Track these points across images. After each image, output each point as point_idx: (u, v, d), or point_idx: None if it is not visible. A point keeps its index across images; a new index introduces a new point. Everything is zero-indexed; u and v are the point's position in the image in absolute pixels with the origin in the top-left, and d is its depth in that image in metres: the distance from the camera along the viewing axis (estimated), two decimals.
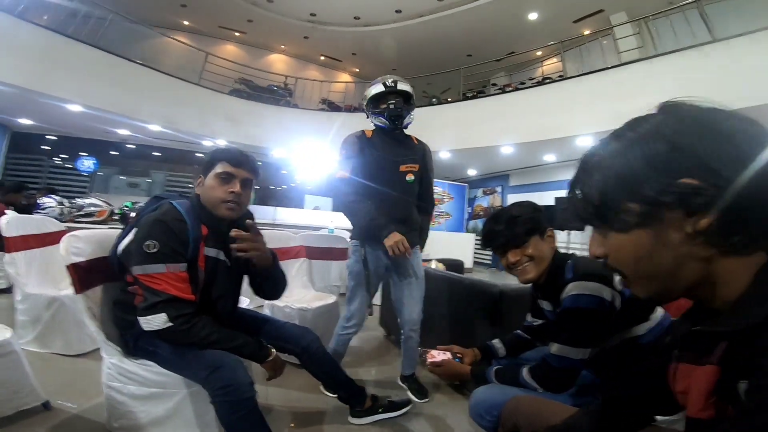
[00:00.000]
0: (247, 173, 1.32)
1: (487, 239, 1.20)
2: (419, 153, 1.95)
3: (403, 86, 1.86)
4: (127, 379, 1.30)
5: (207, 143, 8.27)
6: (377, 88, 1.87)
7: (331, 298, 2.56)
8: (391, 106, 1.83)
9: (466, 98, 8.01)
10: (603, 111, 5.41)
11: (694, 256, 0.44)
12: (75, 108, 6.23)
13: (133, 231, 1.23)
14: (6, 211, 2.63)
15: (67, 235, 1.36)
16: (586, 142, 6.10)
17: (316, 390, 1.93)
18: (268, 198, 10.55)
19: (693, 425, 0.47)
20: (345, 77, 12.28)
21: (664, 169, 0.43)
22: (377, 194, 1.82)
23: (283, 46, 11.29)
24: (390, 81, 1.86)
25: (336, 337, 1.93)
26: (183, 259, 1.20)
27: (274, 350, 1.32)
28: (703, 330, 0.46)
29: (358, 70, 12.35)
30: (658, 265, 0.46)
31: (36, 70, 5.46)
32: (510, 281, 2.06)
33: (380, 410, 1.69)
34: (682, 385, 0.51)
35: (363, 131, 1.91)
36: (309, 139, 8.16)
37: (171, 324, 1.15)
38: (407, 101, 1.89)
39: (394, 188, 1.85)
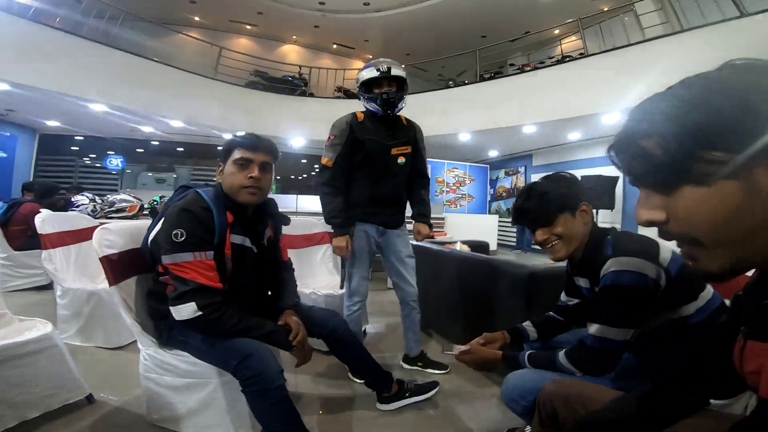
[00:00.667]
0: (265, 156, 1.32)
1: (516, 216, 1.16)
2: (410, 134, 1.98)
3: (397, 71, 1.85)
4: (163, 370, 1.33)
5: (228, 136, 8.30)
6: (370, 73, 1.86)
7: None
8: (384, 96, 1.83)
9: (483, 80, 7.79)
10: (630, 87, 5.24)
11: None
12: (99, 107, 6.40)
13: (161, 221, 1.25)
14: (41, 210, 2.74)
15: (99, 228, 1.39)
16: (613, 119, 5.94)
17: (344, 376, 1.95)
18: (289, 187, 10.68)
19: (766, 406, 0.43)
20: (359, 64, 12.14)
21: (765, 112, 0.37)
22: (367, 177, 1.88)
23: (294, 37, 11.23)
24: (384, 66, 1.84)
25: (347, 318, 1.96)
26: (210, 247, 1.21)
27: (289, 323, 1.33)
28: None
29: (371, 56, 12.14)
30: (747, 223, 0.40)
31: (57, 72, 5.59)
32: (537, 262, 2.00)
33: (407, 395, 1.69)
34: (752, 364, 0.47)
35: (354, 114, 1.91)
36: (327, 128, 8.10)
37: (200, 313, 1.16)
38: (401, 87, 1.89)
39: (386, 171, 1.89)
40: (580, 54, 6.66)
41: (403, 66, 1.95)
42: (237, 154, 1.29)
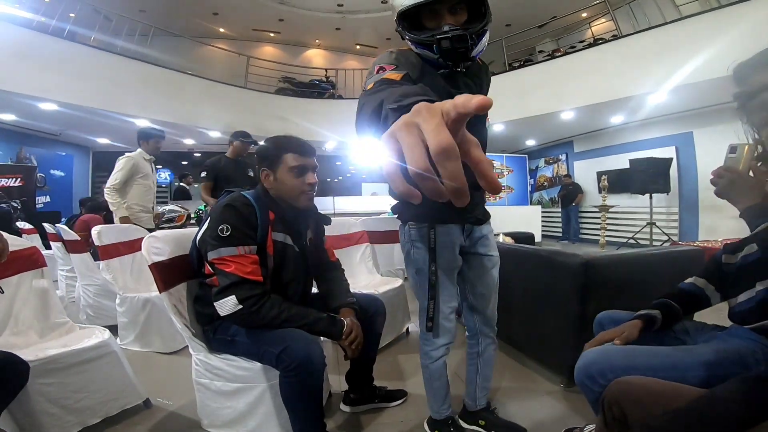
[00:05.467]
0: (313, 160, 1.38)
1: None
2: (486, 81, 1.26)
3: None
4: (213, 375, 1.35)
5: (263, 143, 8.60)
6: None
7: (397, 282, 2.52)
8: (445, 44, 1.00)
9: (513, 68, 7.55)
10: (673, 65, 5.01)
11: None
12: (142, 122, 6.74)
13: (208, 219, 1.29)
14: (99, 219, 2.91)
15: (147, 236, 1.44)
16: (659, 98, 5.65)
17: (385, 377, 1.90)
18: (326, 190, 10.87)
19: None
20: None
21: None
22: None
23: (317, 41, 11.35)
24: None
25: (424, 370, 1.36)
26: (253, 242, 1.25)
27: (346, 321, 1.30)
28: None
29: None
30: None
31: (99, 90, 5.87)
32: (589, 250, 1.86)
33: (376, 400, 1.66)
34: None
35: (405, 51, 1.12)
36: None
37: (241, 306, 1.18)
38: (475, 15, 1.05)
39: None
40: (613, 36, 6.35)
41: None
42: (292, 162, 1.32)
